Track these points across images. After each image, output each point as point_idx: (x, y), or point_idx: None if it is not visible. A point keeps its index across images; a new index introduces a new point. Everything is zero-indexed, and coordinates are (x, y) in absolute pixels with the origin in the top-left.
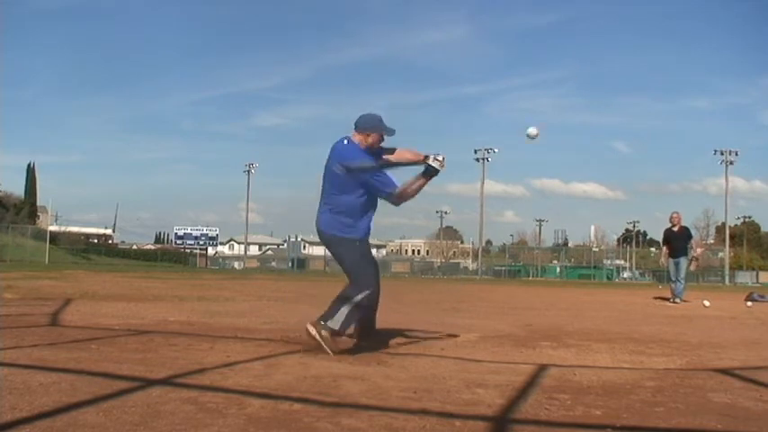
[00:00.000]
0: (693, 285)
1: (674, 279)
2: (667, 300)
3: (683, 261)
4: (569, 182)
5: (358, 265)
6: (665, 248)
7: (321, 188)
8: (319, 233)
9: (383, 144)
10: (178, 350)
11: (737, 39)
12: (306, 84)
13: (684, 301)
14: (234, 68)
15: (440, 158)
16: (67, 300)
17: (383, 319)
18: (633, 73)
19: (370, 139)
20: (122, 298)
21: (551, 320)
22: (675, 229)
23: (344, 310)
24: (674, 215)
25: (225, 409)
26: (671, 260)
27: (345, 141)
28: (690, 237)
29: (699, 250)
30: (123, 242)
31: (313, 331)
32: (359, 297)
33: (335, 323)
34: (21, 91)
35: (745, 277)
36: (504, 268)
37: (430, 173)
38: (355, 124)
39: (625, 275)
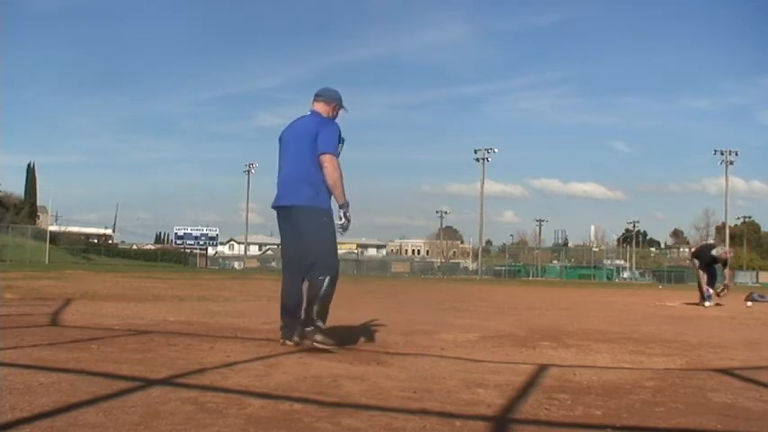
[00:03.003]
0: (693, 285)
1: (704, 282)
2: (697, 304)
3: (717, 267)
4: (568, 182)
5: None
6: (696, 261)
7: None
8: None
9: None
10: (178, 350)
11: (737, 39)
12: (306, 84)
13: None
14: (234, 68)
15: (344, 221)
16: (67, 300)
17: (384, 319)
18: (633, 73)
19: (330, 108)
20: (122, 298)
21: (551, 320)
22: (715, 254)
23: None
24: (730, 253)
25: (225, 409)
26: (703, 272)
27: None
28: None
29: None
30: (123, 242)
31: (309, 343)
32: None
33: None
34: (21, 91)
35: (745, 277)
36: (504, 268)
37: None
38: (320, 94)
39: (625, 275)
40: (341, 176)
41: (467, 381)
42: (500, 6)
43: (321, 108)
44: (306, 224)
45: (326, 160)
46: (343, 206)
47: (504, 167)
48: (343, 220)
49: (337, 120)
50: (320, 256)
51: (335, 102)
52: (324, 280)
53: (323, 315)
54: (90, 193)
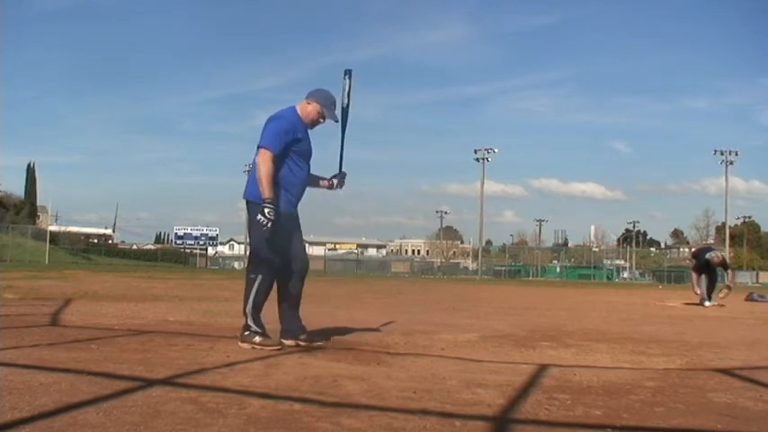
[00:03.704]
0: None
1: (696, 284)
2: (697, 304)
3: (716, 270)
4: (568, 182)
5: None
6: (695, 262)
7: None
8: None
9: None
10: (178, 350)
11: (737, 39)
12: (306, 84)
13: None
14: (234, 69)
15: (261, 218)
16: (67, 300)
17: (384, 319)
18: (633, 73)
19: (309, 107)
20: (122, 298)
21: (551, 320)
22: (708, 257)
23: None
24: (717, 259)
25: (225, 409)
26: (697, 274)
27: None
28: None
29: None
30: (123, 242)
31: (248, 347)
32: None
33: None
34: (21, 91)
35: (745, 277)
36: (504, 268)
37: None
38: (309, 92)
39: (625, 275)
40: (268, 171)
41: (467, 381)
42: (500, 6)
43: (301, 104)
44: (249, 219)
45: (258, 154)
46: (265, 201)
47: (504, 167)
48: (260, 216)
49: (323, 122)
50: (254, 253)
51: (316, 101)
52: (255, 279)
53: (255, 315)
54: (90, 193)
